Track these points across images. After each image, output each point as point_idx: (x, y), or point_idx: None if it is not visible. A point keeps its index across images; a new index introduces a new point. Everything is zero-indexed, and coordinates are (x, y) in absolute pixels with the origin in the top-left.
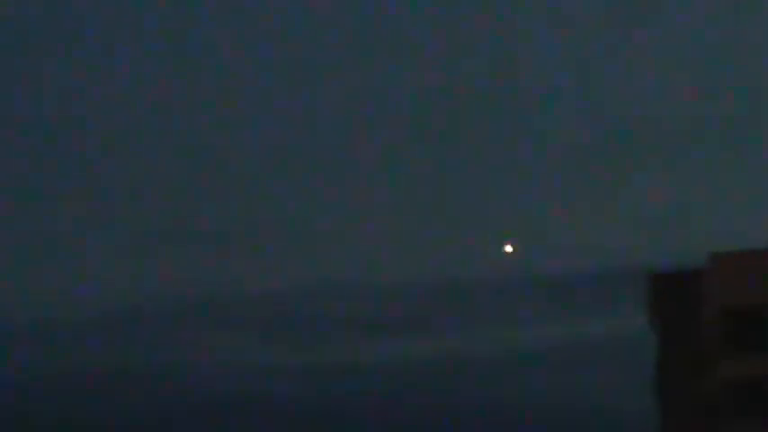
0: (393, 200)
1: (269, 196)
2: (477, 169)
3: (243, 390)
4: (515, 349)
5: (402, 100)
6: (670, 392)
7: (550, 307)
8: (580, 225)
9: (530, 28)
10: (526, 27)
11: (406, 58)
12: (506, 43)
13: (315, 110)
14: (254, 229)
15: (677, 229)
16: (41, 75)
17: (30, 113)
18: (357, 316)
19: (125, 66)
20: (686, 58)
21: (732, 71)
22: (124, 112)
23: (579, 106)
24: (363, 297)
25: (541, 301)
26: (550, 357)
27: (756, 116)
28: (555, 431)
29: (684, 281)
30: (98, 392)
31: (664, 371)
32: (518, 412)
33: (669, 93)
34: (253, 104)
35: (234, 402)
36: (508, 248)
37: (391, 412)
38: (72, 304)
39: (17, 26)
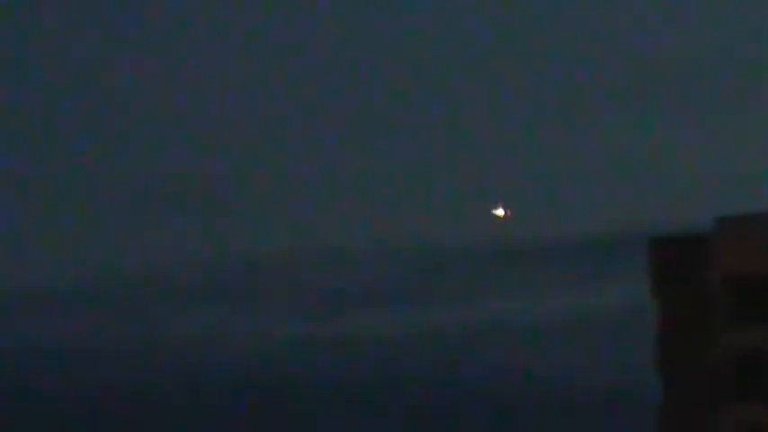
0: (378, 164)
1: (251, 158)
2: (464, 128)
3: (222, 361)
4: (509, 320)
5: (387, 64)
6: (672, 363)
7: (545, 275)
8: (576, 187)
9: None
10: None
11: (395, 20)
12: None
13: (301, 78)
14: (237, 193)
15: (681, 192)
16: (22, 32)
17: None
18: (342, 285)
19: (111, 20)
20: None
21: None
22: (103, 73)
23: (575, 59)
24: (345, 265)
25: (535, 269)
26: (547, 328)
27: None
28: (552, 405)
29: (688, 247)
30: (88, 366)
31: (666, 341)
32: (512, 385)
33: (671, 48)
34: (243, 68)
35: (228, 375)
36: (499, 212)
37: (379, 385)
38: (63, 274)
39: None
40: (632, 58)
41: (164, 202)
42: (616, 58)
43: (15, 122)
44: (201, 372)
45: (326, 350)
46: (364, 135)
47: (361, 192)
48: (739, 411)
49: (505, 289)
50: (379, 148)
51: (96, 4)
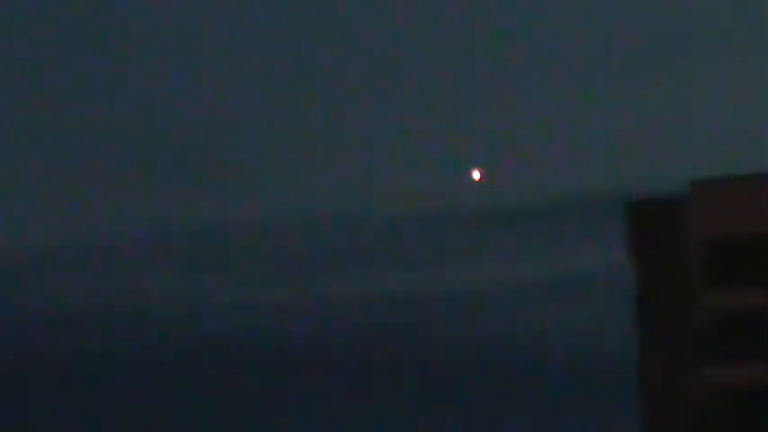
0: (354, 128)
1: (219, 127)
2: (440, 92)
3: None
4: (487, 283)
5: (366, 37)
6: (650, 326)
7: (522, 238)
8: (553, 150)
9: None
10: None
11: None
12: None
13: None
14: (222, 162)
15: (656, 154)
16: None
17: None
18: (320, 249)
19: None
20: None
21: None
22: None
23: (549, 25)
24: (324, 230)
25: (512, 232)
26: (525, 291)
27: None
28: (531, 368)
29: (664, 209)
30: (66, 331)
31: (644, 304)
32: (491, 349)
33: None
34: (241, 37)
35: (219, 342)
36: (476, 175)
37: (360, 349)
38: (48, 237)
39: None
40: (606, 22)
41: (138, 171)
42: (590, 21)
43: None
44: (174, 338)
45: (296, 316)
46: (343, 103)
47: (339, 157)
48: (717, 372)
49: (480, 252)
50: (357, 115)
51: None
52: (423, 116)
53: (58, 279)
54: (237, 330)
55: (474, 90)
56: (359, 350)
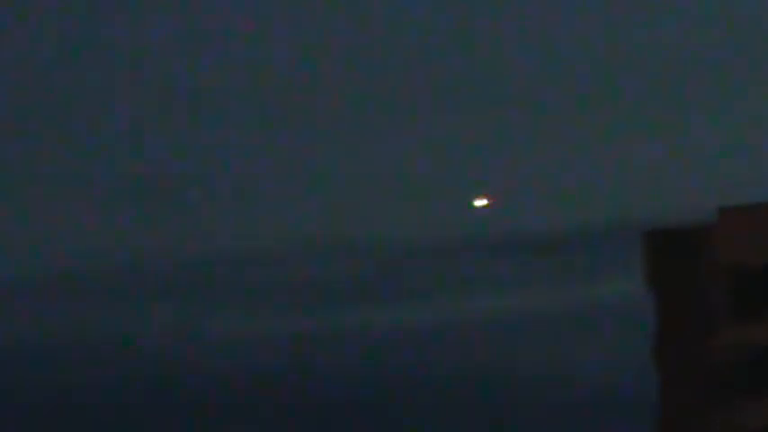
0: (354, 151)
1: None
2: (444, 116)
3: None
4: (495, 316)
5: (365, 53)
6: (669, 361)
7: (533, 269)
8: (566, 175)
9: None
10: None
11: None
12: None
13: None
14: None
15: (678, 181)
16: None
17: None
18: (322, 280)
19: None
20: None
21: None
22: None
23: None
24: (325, 259)
25: (522, 263)
26: (536, 324)
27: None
28: (543, 405)
29: (686, 238)
30: (65, 361)
31: (662, 338)
32: (500, 384)
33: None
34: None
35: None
36: (481, 202)
37: (366, 384)
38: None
39: None
40: (628, 51)
41: (140, 198)
42: (606, 51)
43: None
44: (178, 370)
45: (306, 346)
46: (351, 131)
47: (348, 186)
48: (740, 409)
49: (492, 284)
50: (367, 146)
51: None
52: (427, 142)
53: (39, 309)
54: (236, 365)
55: (484, 115)
56: (361, 385)
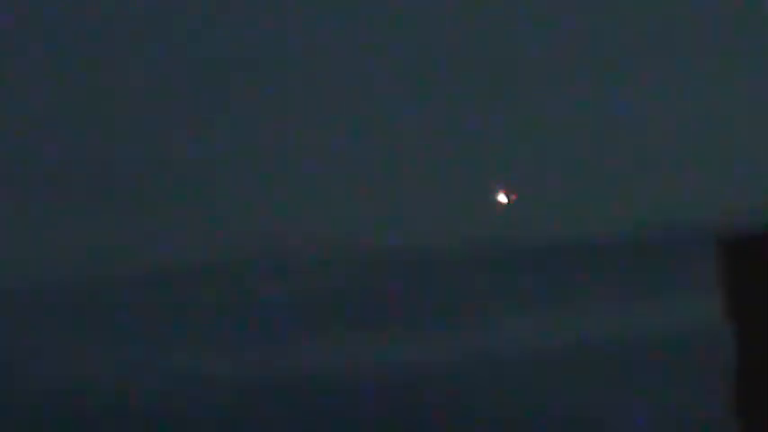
0: (368, 155)
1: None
2: (464, 104)
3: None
4: (526, 344)
5: (379, 51)
6: (751, 400)
7: (577, 286)
8: (616, 173)
9: None
10: None
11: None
12: None
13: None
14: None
15: (757, 180)
16: None
17: None
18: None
19: None
20: None
21: None
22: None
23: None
24: (335, 272)
25: (563, 279)
26: (577, 354)
27: None
28: None
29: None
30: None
31: (742, 372)
32: (542, 424)
33: None
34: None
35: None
36: (501, 198)
37: (381, 417)
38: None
39: None
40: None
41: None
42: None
43: None
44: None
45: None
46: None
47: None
48: None
49: (522, 304)
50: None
51: None
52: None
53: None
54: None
55: (509, 104)
56: (375, 418)
